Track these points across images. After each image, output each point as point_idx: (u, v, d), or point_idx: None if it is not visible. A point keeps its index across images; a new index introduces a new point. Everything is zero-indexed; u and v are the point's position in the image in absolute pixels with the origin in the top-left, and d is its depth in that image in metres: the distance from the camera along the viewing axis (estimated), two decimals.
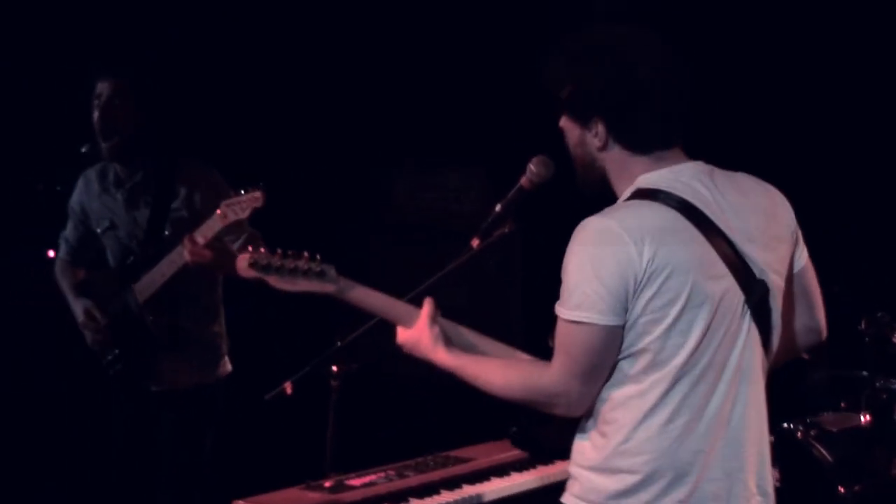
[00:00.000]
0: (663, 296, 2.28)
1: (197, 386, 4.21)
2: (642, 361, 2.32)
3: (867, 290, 4.26)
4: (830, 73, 5.48)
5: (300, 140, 5.87)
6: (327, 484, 3.39)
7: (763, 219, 2.44)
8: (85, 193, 4.30)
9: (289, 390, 3.10)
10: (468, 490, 3.48)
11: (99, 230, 4.26)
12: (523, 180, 2.78)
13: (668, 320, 2.29)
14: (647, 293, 2.27)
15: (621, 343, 2.32)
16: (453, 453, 3.75)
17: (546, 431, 2.64)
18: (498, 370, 2.49)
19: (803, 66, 5.51)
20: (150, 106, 4.15)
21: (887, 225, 5.45)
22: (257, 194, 3.88)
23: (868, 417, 4.33)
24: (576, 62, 2.43)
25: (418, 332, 2.62)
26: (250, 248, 2.74)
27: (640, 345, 2.31)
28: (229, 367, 4.32)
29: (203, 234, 3.93)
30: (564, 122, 2.49)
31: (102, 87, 4.10)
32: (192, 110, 5.15)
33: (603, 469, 2.36)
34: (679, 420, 2.31)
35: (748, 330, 2.38)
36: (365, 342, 3.02)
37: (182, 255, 3.95)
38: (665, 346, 2.30)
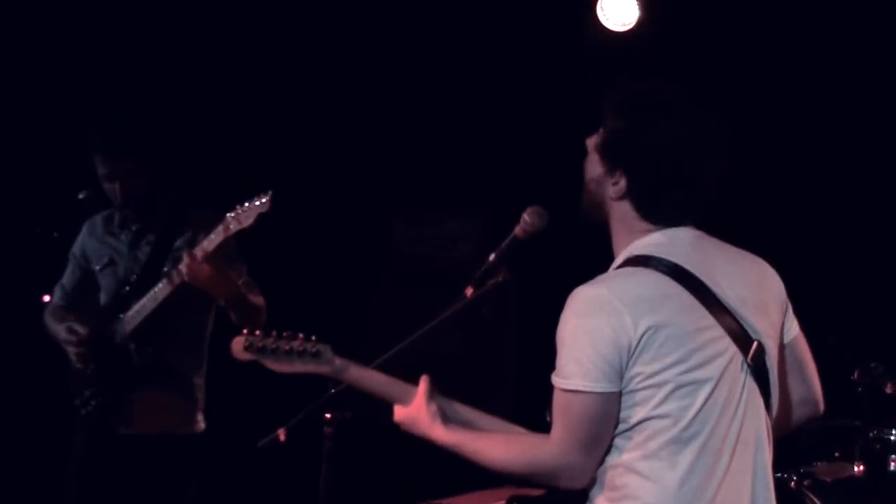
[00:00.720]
0: (661, 361, 2.28)
1: (171, 435, 4.13)
2: (648, 426, 2.31)
3: (860, 341, 4.27)
4: (819, 130, 5.52)
5: (299, 185, 5.89)
6: None
7: (753, 285, 2.45)
8: (88, 236, 4.32)
9: (282, 437, 3.09)
10: None
11: (97, 267, 4.25)
12: (517, 230, 2.79)
13: (670, 385, 2.29)
14: (645, 359, 2.28)
15: (621, 409, 2.31)
16: (445, 501, 3.74)
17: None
18: (497, 446, 2.47)
19: (791, 118, 5.55)
20: (158, 167, 4.17)
21: (880, 276, 5.47)
22: (264, 200, 3.84)
23: (862, 467, 4.32)
24: (632, 109, 2.42)
25: (416, 410, 2.60)
26: (245, 331, 2.76)
27: (644, 410, 2.30)
28: (203, 424, 4.24)
29: (203, 249, 3.91)
30: (592, 152, 2.48)
31: (107, 165, 4.09)
32: (188, 153, 5.17)
33: None
34: (691, 483, 2.30)
35: (749, 390, 2.38)
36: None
37: (167, 286, 3.94)
38: (670, 410, 2.29)
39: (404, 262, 6.51)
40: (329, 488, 3.35)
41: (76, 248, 4.35)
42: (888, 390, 4.37)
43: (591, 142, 2.48)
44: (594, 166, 2.47)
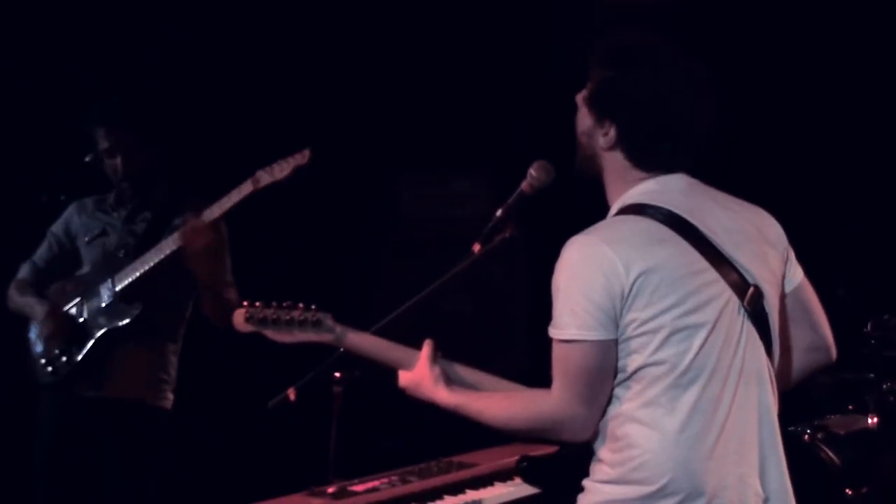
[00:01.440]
0: (655, 306, 2.28)
1: (141, 403, 4.08)
2: (646, 374, 2.31)
3: (872, 293, 4.25)
4: (828, 73, 5.47)
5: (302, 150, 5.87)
6: (330, 490, 3.39)
7: (750, 232, 2.44)
8: (77, 213, 4.27)
9: (292, 397, 3.09)
10: (471, 495, 3.49)
11: (86, 239, 4.19)
12: (524, 185, 2.77)
13: (665, 330, 2.28)
14: (638, 305, 2.28)
15: (618, 358, 2.31)
16: (457, 458, 3.75)
17: (556, 462, 2.62)
18: (500, 403, 2.48)
19: (798, 67, 5.51)
20: (160, 146, 4.14)
21: (891, 227, 5.43)
22: (304, 153, 3.82)
23: (875, 420, 4.32)
24: (617, 60, 2.43)
25: (419, 374, 2.62)
26: (245, 304, 2.78)
27: (641, 357, 2.30)
28: (171, 402, 4.19)
29: (221, 206, 3.85)
30: (582, 105, 2.49)
31: (110, 138, 4.06)
32: (188, 122, 5.15)
33: (619, 482, 2.34)
34: (692, 428, 2.29)
35: (748, 333, 2.37)
36: None
37: (171, 243, 3.89)
38: (667, 356, 2.29)
39: (412, 222, 6.49)
40: (339, 446, 3.36)
41: (57, 227, 4.28)
42: None
43: (580, 96, 2.49)
44: (584, 119, 2.48)
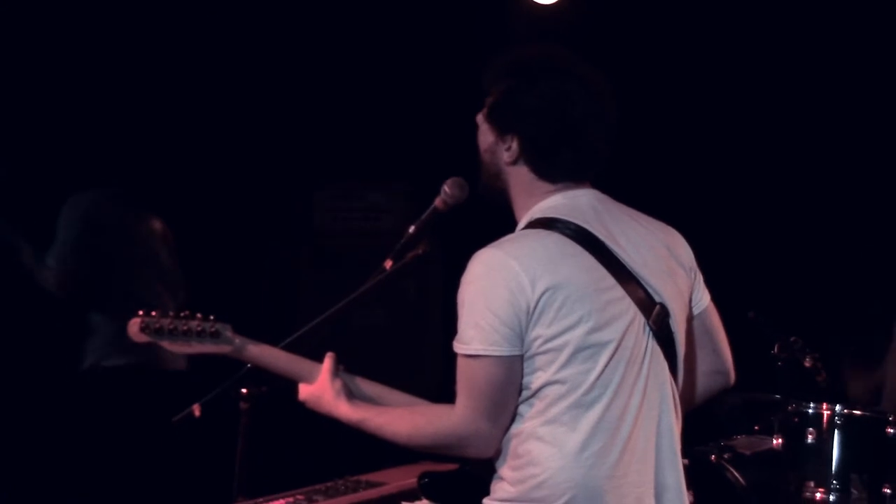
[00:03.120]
0: (561, 322, 2.27)
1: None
2: (549, 392, 2.29)
3: (780, 316, 4.30)
4: (731, 84, 5.56)
5: (221, 162, 5.80)
6: None
7: (658, 249, 2.45)
8: None
9: (197, 413, 3.04)
10: None
11: None
12: (437, 201, 2.76)
13: (571, 346, 2.27)
14: (544, 321, 2.26)
15: (523, 374, 2.30)
16: (364, 477, 3.70)
17: (458, 479, 2.60)
18: (403, 418, 2.46)
19: (712, 92, 5.58)
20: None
21: (799, 250, 5.53)
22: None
23: (781, 441, 4.36)
24: (513, 73, 2.43)
25: (320, 388, 2.59)
26: (141, 313, 2.72)
27: (546, 375, 2.29)
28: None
29: None
30: (482, 123, 2.49)
31: None
32: (113, 134, 5.07)
33: (519, 500, 2.33)
34: (592, 448, 2.29)
35: (653, 352, 2.37)
36: None
37: None
38: (571, 374, 2.28)
39: (327, 236, 6.45)
40: (245, 464, 3.30)
41: None
42: (807, 364, 4.42)
43: (480, 115, 2.50)
44: (486, 136, 2.48)
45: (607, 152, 2.45)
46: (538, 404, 2.30)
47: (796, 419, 4.36)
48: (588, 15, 5.49)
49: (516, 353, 2.28)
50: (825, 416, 4.32)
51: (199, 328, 2.66)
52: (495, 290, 2.27)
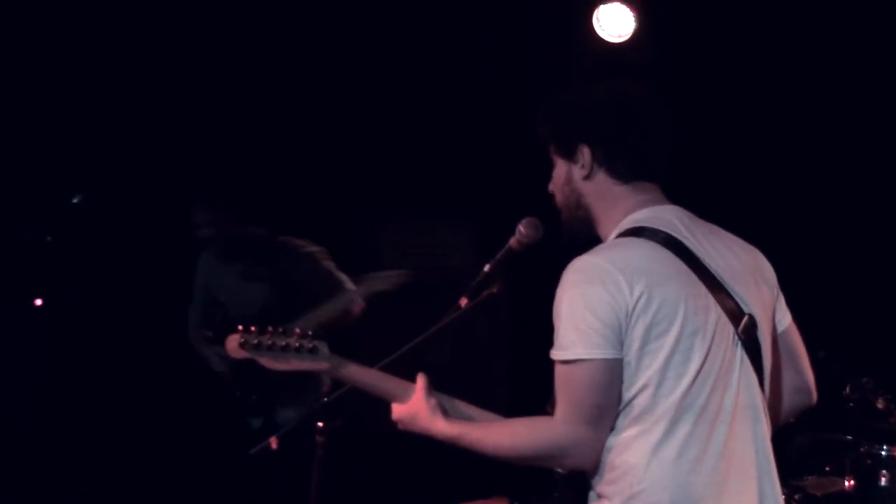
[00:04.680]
0: (657, 326, 2.27)
1: None
2: (643, 398, 2.28)
3: (852, 356, 4.27)
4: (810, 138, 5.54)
5: (289, 193, 5.88)
6: None
7: (745, 263, 2.46)
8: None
9: (274, 445, 3.09)
10: None
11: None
12: (512, 241, 2.78)
13: (665, 351, 2.27)
14: (641, 325, 2.26)
15: (622, 380, 2.29)
16: None
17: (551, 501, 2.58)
18: (501, 432, 2.44)
19: (784, 127, 5.57)
20: None
21: (872, 291, 5.48)
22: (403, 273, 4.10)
23: (852, 482, 4.32)
24: (560, 103, 2.51)
25: (415, 406, 2.56)
26: (240, 328, 2.68)
27: (640, 381, 2.28)
28: None
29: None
30: (555, 163, 2.54)
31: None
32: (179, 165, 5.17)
33: None
34: (688, 454, 2.27)
35: (742, 361, 2.36)
36: (352, 398, 3.01)
37: None
38: (665, 379, 2.28)
39: (393, 269, 6.48)
40: (320, 497, 3.34)
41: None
42: (879, 405, 4.38)
43: (552, 158, 2.54)
44: (559, 171, 2.53)
45: (671, 148, 2.48)
46: (632, 413, 2.30)
47: (869, 461, 4.32)
48: (657, 52, 5.51)
49: (618, 356, 2.27)
50: None
51: (296, 344, 2.64)
52: (595, 293, 2.28)
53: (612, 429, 2.32)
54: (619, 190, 2.46)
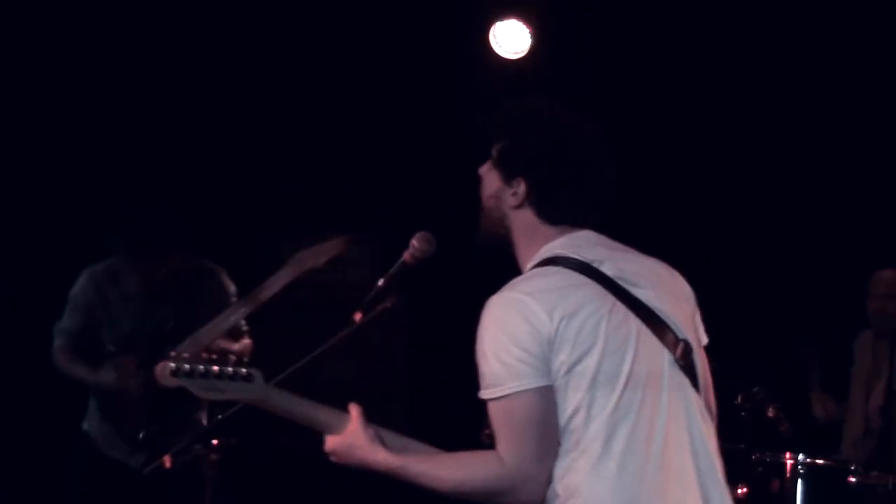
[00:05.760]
0: (580, 348, 2.28)
1: None
2: (577, 421, 2.29)
3: (743, 367, 4.36)
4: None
5: (189, 208, 5.80)
6: None
7: (665, 284, 2.48)
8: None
9: (167, 464, 3.05)
10: None
11: None
12: (406, 255, 2.77)
13: (592, 371, 2.29)
14: (566, 350, 2.28)
15: (556, 406, 2.28)
16: None
17: None
18: (449, 464, 2.39)
19: (671, 146, 5.67)
20: None
21: (763, 301, 5.59)
22: (346, 239, 3.87)
23: (745, 490, 4.40)
24: (518, 122, 2.50)
25: (351, 437, 2.47)
26: (173, 355, 2.52)
27: (572, 404, 2.29)
28: None
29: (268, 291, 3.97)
30: (487, 172, 2.54)
31: None
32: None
33: None
34: (630, 466, 2.28)
35: (671, 373, 2.37)
36: (246, 416, 2.98)
37: None
38: (595, 398, 2.29)
39: (294, 287, 6.45)
40: None
41: None
42: (770, 414, 4.48)
43: (485, 166, 2.54)
44: (491, 183, 2.52)
45: (609, 198, 2.51)
46: (571, 437, 2.30)
47: (760, 468, 4.42)
48: (553, 68, 5.57)
49: (549, 383, 2.28)
50: (788, 465, 4.38)
51: (231, 372, 2.48)
52: (516, 326, 2.29)
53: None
54: (543, 229, 2.48)
